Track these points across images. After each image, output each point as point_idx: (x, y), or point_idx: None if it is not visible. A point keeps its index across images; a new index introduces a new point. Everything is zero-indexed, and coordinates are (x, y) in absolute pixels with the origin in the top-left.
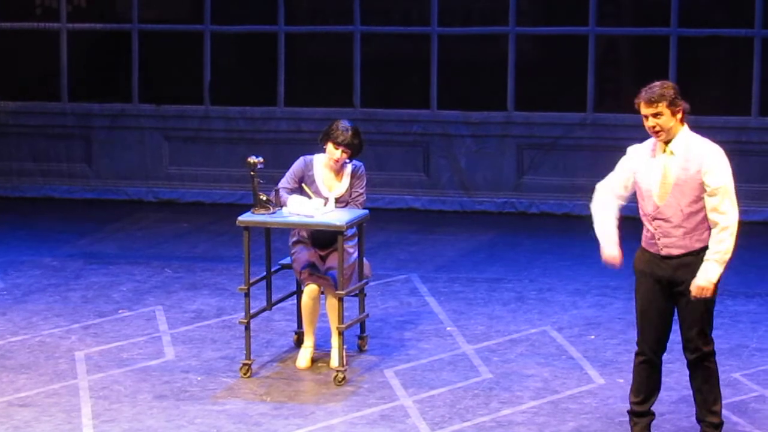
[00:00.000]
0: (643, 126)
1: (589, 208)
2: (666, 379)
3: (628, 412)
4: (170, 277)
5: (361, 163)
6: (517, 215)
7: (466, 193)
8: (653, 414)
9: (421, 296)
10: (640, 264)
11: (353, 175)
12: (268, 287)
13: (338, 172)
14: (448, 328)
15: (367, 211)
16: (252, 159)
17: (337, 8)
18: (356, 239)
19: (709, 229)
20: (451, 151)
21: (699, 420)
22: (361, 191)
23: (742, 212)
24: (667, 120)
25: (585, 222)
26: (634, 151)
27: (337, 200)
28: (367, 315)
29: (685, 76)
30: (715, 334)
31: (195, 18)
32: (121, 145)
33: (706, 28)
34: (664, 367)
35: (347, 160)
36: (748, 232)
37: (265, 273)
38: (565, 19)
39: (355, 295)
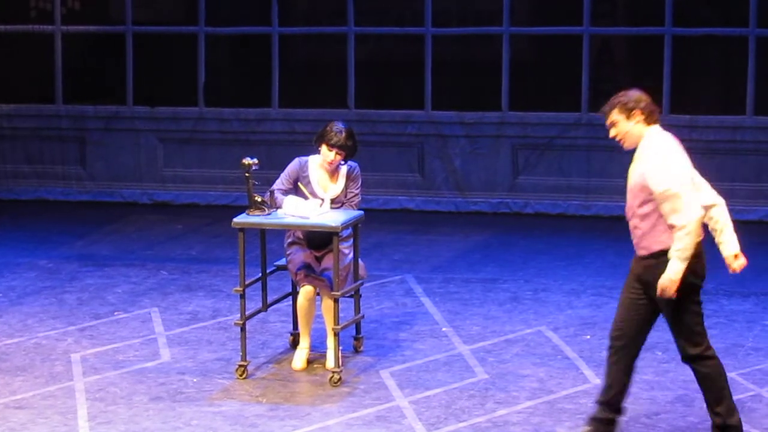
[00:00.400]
0: None
1: (585, 208)
2: (661, 379)
3: None
4: (165, 278)
5: (356, 164)
6: (511, 215)
7: (460, 194)
8: (607, 407)
9: (417, 297)
10: None
11: (348, 176)
12: (264, 289)
13: (333, 173)
14: (444, 329)
15: (362, 212)
16: (247, 160)
17: (331, 9)
18: (351, 240)
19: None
20: (445, 152)
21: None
22: (356, 192)
23: (737, 211)
24: (623, 126)
25: (580, 222)
26: None
27: (332, 201)
28: (363, 316)
29: (680, 75)
30: (710, 333)
31: (189, 20)
32: (116, 147)
33: (700, 28)
34: (660, 366)
35: (342, 162)
36: (743, 231)
37: (260, 274)
38: (559, 19)
39: (351, 296)
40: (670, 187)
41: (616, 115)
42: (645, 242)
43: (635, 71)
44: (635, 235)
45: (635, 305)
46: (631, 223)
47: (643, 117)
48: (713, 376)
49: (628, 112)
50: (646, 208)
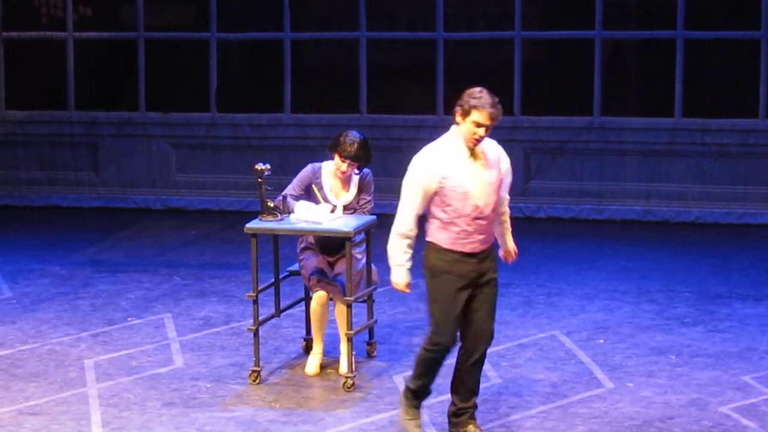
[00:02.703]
0: (647, 129)
1: (598, 212)
2: (675, 383)
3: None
4: (178, 284)
5: (368, 171)
6: (524, 220)
7: None
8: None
9: None
10: (443, 264)
11: (361, 183)
12: (277, 294)
13: (346, 180)
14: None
15: (375, 217)
16: (259, 166)
17: (343, 14)
18: (364, 245)
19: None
20: None
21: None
22: (369, 198)
23: (750, 215)
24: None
25: (593, 226)
26: (433, 162)
27: (345, 207)
28: (376, 321)
29: (691, 79)
30: (723, 336)
31: (201, 26)
32: (128, 153)
33: (712, 31)
34: (673, 370)
35: (355, 172)
36: (756, 234)
37: (273, 280)
38: (570, 23)
39: (364, 301)
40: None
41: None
42: (491, 235)
43: (647, 75)
44: (487, 230)
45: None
46: (487, 219)
47: None
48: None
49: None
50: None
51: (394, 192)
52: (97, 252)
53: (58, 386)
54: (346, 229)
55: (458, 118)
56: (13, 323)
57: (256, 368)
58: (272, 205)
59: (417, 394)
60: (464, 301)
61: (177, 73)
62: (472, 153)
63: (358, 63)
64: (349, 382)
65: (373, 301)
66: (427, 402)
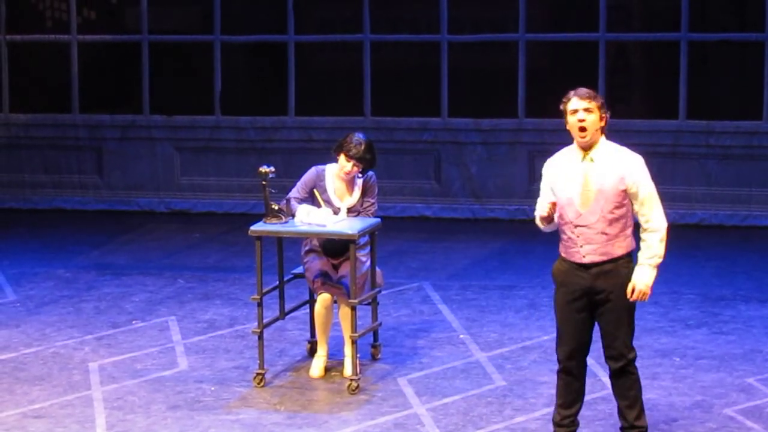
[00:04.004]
0: (651, 131)
1: None
2: (679, 385)
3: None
4: (183, 287)
5: (372, 173)
6: (528, 222)
7: (477, 201)
8: (577, 424)
9: (434, 304)
10: (559, 274)
11: (364, 185)
12: (281, 297)
13: (350, 183)
14: (461, 336)
15: (379, 219)
16: (263, 168)
17: (347, 17)
18: (368, 248)
19: (631, 236)
20: (462, 159)
21: (624, 429)
22: (373, 201)
23: (754, 216)
24: (595, 121)
25: None
26: (548, 165)
27: (349, 210)
28: (380, 323)
29: (696, 81)
30: (727, 338)
31: (205, 28)
32: (133, 156)
33: (716, 33)
34: (678, 372)
35: (359, 175)
36: (760, 236)
37: (277, 282)
38: (574, 25)
39: (368, 304)
40: (653, 189)
41: (595, 107)
42: (608, 248)
43: (651, 77)
44: (598, 241)
45: (585, 320)
46: (594, 229)
47: (605, 124)
48: (638, 378)
49: (602, 112)
50: (618, 212)
51: (398, 194)
52: (101, 255)
53: (63, 389)
54: (350, 232)
55: (566, 120)
56: (17, 326)
57: (260, 371)
58: (276, 207)
59: (559, 425)
60: (580, 316)
61: (181, 75)
62: (585, 156)
63: (362, 65)
64: (354, 384)
65: (378, 303)
66: (430, 404)
